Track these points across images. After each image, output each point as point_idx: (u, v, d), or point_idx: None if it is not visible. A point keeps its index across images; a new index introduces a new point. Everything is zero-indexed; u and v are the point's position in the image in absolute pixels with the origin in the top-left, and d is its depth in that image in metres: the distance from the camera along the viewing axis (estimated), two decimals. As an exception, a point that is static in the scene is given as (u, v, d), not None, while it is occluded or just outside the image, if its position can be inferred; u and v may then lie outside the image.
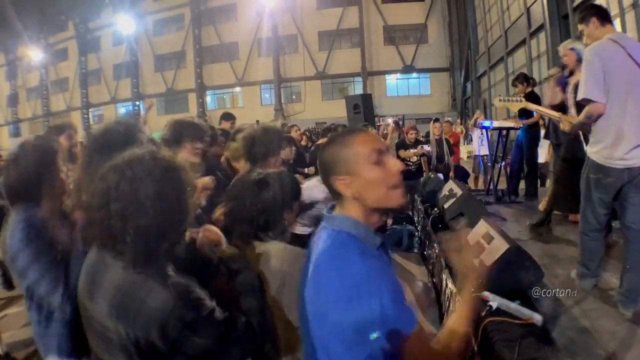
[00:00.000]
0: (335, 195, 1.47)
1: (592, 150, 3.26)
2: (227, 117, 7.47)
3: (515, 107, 4.35)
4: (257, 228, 1.99)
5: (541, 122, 7.48)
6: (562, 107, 4.91)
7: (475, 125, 9.36)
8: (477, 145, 9.47)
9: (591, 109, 3.13)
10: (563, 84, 4.90)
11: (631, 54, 3.07)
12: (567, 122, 3.56)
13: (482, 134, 9.29)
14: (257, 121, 17.94)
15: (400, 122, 10.61)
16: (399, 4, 30.50)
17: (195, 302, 1.39)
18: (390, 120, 10.34)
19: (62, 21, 35.03)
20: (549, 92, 4.98)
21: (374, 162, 1.40)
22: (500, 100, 4.54)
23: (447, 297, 3.96)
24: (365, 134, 1.48)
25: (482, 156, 9.45)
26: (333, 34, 30.45)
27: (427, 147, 8.29)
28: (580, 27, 3.43)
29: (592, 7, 3.49)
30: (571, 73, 4.86)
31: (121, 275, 1.36)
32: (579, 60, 4.82)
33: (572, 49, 4.92)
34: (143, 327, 1.32)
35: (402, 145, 8.08)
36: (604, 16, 3.33)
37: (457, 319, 1.50)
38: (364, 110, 12.05)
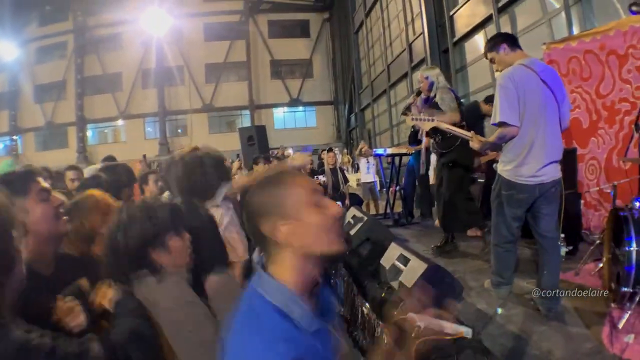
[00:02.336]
0: (265, 245, 1.21)
1: (505, 169, 3.42)
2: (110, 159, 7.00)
3: (427, 126, 4.49)
4: (120, 268, 1.68)
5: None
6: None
7: (360, 154, 9.77)
8: (364, 173, 9.80)
9: (505, 131, 3.29)
10: (431, 103, 5.26)
11: (543, 79, 3.27)
12: (477, 141, 3.66)
13: (367, 162, 9.70)
14: (144, 155, 17.09)
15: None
16: (285, 40, 31.19)
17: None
18: (291, 151, 10.39)
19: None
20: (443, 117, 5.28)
21: (315, 205, 1.21)
22: (412, 119, 4.66)
23: (361, 323, 3.94)
24: (300, 173, 1.30)
25: (371, 182, 9.78)
26: (220, 67, 30.25)
27: (322, 178, 8.42)
28: (490, 55, 3.59)
29: (499, 35, 3.68)
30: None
31: None
32: (430, 88, 5.27)
33: (426, 77, 5.32)
34: None
35: None
36: (512, 42, 3.52)
37: None
38: (258, 141, 12.03)
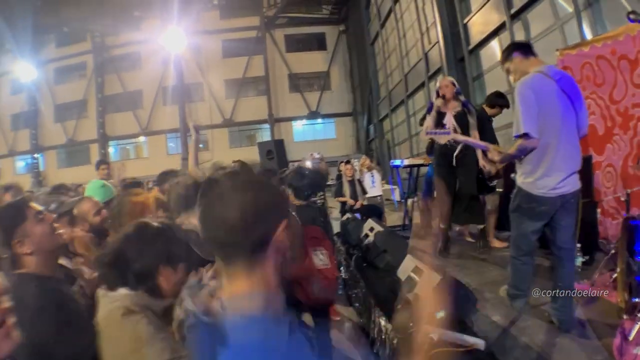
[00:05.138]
0: (243, 258, 1.05)
1: (525, 181, 3.34)
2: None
3: (443, 139, 4.51)
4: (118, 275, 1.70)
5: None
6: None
7: (366, 168, 9.80)
8: (369, 187, 9.78)
9: (525, 143, 3.20)
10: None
11: (561, 86, 3.20)
12: (495, 152, 3.61)
13: (372, 175, 9.70)
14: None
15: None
16: (302, 53, 31.47)
17: None
18: (309, 163, 10.42)
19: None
20: (429, 122, 5.39)
21: None
22: (427, 133, 4.64)
23: (378, 335, 3.95)
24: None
25: (377, 196, 9.74)
26: (239, 82, 30.60)
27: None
28: (506, 65, 3.54)
29: (512, 45, 3.62)
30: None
31: None
32: (457, 93, 5.34)
33: (453, 83, 5.39)
34: None
35: None
36: (525, 49, 3.46)
37: None
38: (277, 155, 12.06)
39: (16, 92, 31.40)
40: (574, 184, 3.26)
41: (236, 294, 1.05)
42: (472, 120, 5.40)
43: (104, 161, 7.39)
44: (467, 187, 5.45)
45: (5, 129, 32.71)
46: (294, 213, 2.78)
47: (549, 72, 3.26)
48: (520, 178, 3.40)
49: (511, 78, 3.58)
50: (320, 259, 2.57)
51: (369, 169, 9.89)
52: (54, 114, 31.54)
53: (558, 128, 3.17)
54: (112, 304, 1.67)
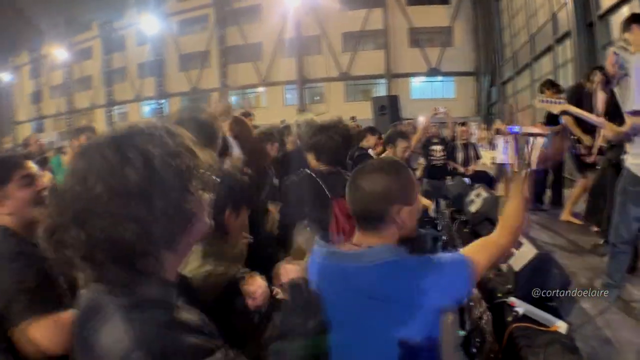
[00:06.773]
0: (377, 224, 1.50)
1: (633, 162, 3.21)
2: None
3: (556, 109, 4.26)
4: None
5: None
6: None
7: (497, 133, 9.41)
8: (502, 154, 9.40)
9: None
10: (608, 90, 4.87)
11: None
12: (610, 129, 3.48)
13: (506, 142, 9.28)
14: (283, 120, 17.99)
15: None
16: (424, 7, 30.12)
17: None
18: (422, 119, 10.35)
19: (86, 21, 35.23)
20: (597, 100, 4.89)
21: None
22: (541, 101, 4.45)
23: (471, 299, 4.00)
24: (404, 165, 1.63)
25: (504, 164, 9.38)
26: (357, 36, 30.33)
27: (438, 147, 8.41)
28: (625, 35, 3.40)
29: (633, 16, 3.47)
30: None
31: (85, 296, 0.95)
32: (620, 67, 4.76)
33: (616, 54, 4.87)
34: None
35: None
36: None
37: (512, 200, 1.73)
38: (390, 111, 12.07)
39: (141, 43, 34.32)
40: None
41: (370, 244, 1.48)
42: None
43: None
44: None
45: (133, 76, 35.93)
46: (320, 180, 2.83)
47: None
48: (629, 159, 3.25)
49: (631, 50, 3.38)
50: None
51: (504, 133, 9.49)
52: (178, 64, 34.03)
53: None
54: None
